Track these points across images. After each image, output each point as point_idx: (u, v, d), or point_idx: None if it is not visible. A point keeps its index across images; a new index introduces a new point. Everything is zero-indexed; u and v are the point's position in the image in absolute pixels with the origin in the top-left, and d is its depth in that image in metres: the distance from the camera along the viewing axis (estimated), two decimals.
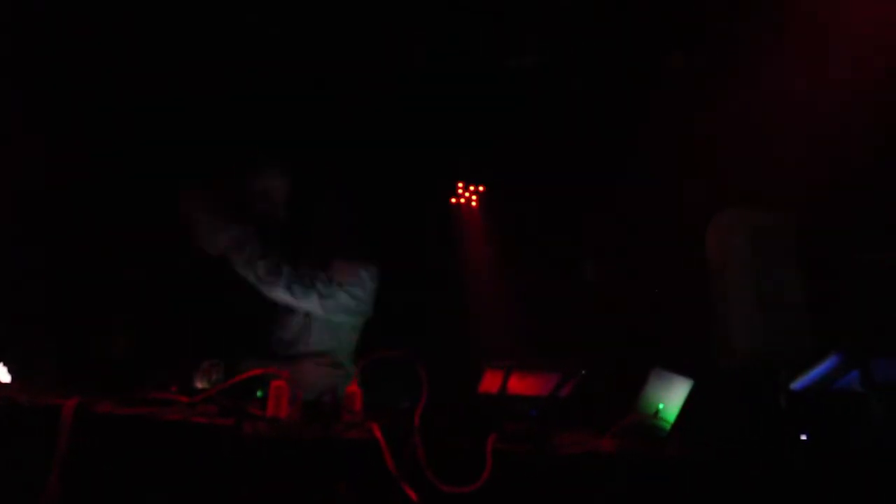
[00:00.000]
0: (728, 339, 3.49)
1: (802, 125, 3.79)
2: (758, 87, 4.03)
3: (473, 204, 4.84)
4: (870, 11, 3.59)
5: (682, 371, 2.57)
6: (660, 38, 4.36)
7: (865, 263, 3.61)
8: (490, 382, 2.96)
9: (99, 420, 2.04)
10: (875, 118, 3.69)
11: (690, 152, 4.11)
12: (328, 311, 3.28)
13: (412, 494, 1.94)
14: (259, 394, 2.20)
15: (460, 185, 4.90)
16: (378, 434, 1.99)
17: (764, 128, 3.98)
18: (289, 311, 3.29)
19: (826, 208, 3.68)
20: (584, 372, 2.82)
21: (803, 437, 2.46)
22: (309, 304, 3.25)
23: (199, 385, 2.41)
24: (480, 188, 4.87)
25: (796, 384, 2.63)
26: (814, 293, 3.46)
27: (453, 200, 4.91)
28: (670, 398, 2.54)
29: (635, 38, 4.39)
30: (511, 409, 2.68)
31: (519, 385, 2.96)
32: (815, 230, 3.64)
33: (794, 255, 3.57)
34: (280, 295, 3.19)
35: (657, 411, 2.51)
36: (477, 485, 2.00)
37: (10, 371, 2.25)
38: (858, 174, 3.74)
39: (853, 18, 3.62)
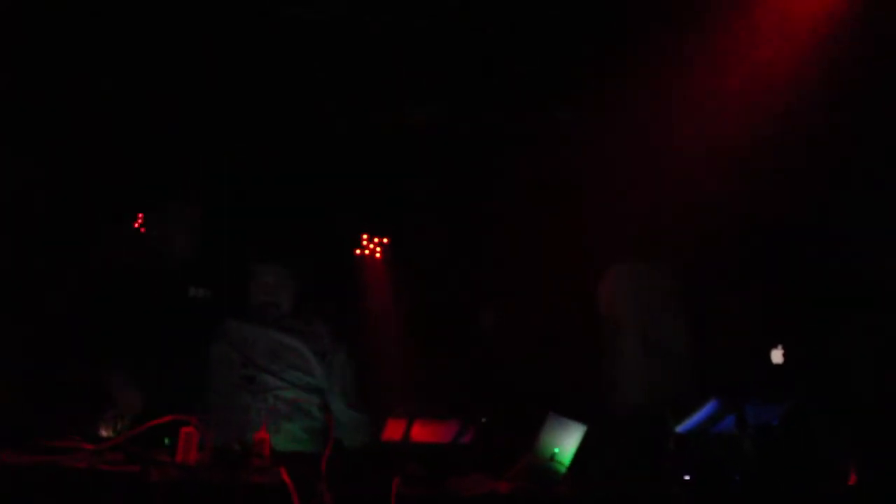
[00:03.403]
0: (617, 385, 3.71)
1: (682, 178, 4.06)
2: (642, 143, 4.29)
3: (377, 255, 4.94)
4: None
5: (576, 416, 2.71)
6: (548, 93, 4.55)
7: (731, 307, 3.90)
8: (393, 431, 3.02)
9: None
10: (752, 172, 4.01)
11: (583, 207, 4.33)
12: None
13: None
14: (167, 441, 2.21)
15: (364, 237, 4.99)
16: (286, 478, 2.05)
17: (648, 182, 4.22)
18: None
19: (704, 257, 3.98)
20: (483, 420, 2.94)
21: (686, 477, 2.65)
22: None
23: (104, 434, 2.40)
24: (385, 240, 4.97)
25: (680, 427, 2.82)
26: (693, 340, 3.73)
27: (357, 252, 4.98)
28: (565, 442, 2.68)
29: (523, 94, 4.58)
30: (414, 456, 2.76)
31: (422, 433, 3.04)
32: (695, 279, 3.94)
33: (679, 304, 3.84)
34: None
35: (553, 455, 2.64)
36: None
37: None
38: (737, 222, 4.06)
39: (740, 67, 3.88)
